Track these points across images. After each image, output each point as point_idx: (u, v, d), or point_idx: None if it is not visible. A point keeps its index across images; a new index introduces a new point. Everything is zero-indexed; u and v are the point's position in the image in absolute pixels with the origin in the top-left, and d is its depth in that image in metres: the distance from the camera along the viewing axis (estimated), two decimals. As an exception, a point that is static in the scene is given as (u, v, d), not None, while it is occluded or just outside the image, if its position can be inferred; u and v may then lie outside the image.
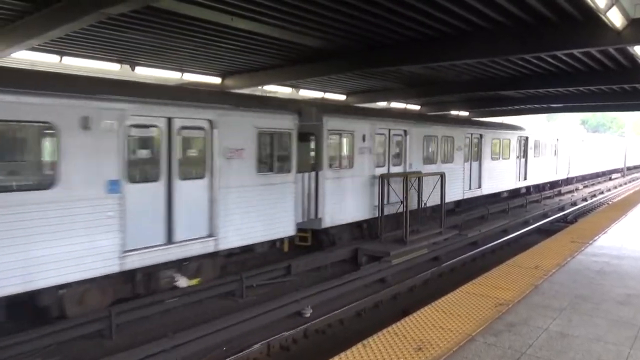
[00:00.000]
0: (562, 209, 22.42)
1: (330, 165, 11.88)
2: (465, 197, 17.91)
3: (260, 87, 17.48)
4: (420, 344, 4.84)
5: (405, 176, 13.22)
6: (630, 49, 12.12)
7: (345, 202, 12.24)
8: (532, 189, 25.00)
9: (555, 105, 25.91)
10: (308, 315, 8.62)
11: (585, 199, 26.23)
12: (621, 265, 8.18)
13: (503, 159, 21.05)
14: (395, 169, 14.13)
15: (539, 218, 19.53)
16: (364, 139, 12.56)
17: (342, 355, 4.61)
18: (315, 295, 9.21)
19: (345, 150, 12.57)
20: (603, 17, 8.65)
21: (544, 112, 33.61)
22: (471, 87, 18.57)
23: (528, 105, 25.42)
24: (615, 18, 8.93)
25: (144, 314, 8.19)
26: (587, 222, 13.39)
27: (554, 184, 28.00)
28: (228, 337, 7.57)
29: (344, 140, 12.49)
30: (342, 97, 21.80)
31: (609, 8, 8.41)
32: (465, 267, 12.51)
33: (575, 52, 12.39)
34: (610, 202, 23.27)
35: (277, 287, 10.18)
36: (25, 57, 12.04)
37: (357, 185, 12.56)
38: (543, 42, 10.50)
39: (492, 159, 20.02)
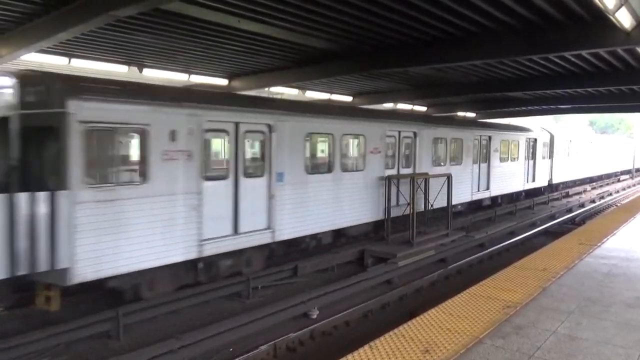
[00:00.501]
0: (569, 210, 22.29)
1: (91, 180, 7.42)
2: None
3: (267, 89, 17.52)
4: (427, 346, 4.83)
5: (412, 177, 13.18)
6: (639, 49, 12.03)
7: (134, 238, 7.78)
8: (500, 200, 20.92)
9: (563, 106, 25.77)
10: (315, 316, 8.63)
11: (593, 201, 26.04)
12: (630, 268, 8.11)
13: (452, 164, 16.77)
14: (249, 182, 9.81)
15: (546, 220, 19.41)
16: (173, 138, 8.31)
17: (349, 356, 4.60)
18: (321, 297, 9.21)
19: (128, 156, 8.38)
20: (612, 18, 8.60)
21: (552, 114, 33.46)
22: (478, 88, 18.50)
23: (535, 107, 25.28)
24: (624, 19, 8.87)
25: (151, 315, 8.23)
26: (595, 224, 13.30)
27: (530, 193, 23.58)
28: (235, 338, 7.59)
29: (125, 140, 8.21)
30: (349, 99, 21.82)
31: (618, 9, 8.36)
32: (472, 269, 12.46)
33: (583, 52, 12.31)
34: (618, 204, 23.10)
35: (284, 289, 10.19)
36: (34, 59, 12.15)
37: (161, 209, 8.14)
38: (550, 43, 10.43)
39: (435, 164, 15.77)
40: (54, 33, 9.27)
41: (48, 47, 10.96)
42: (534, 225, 18.20)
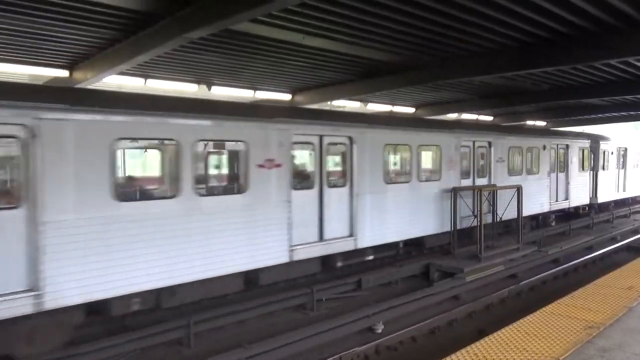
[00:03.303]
0: (655, 224, 20.60)
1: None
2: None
3: (329, 103, 17.71)
4: (501, 366, 4.61)
5: (479, 189, 12.76)
6: None
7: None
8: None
9: (645, 112, 23.97)
10: (380, 331, 8.51)
11: (682, 215, 23.91)
12: None
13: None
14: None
15: (628, 234, 18.04)
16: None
17: (419, 373, 4.49)
18: (386, 311, 9.07)
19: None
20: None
21: (632, 120, 31.14)
22: (550, 95, 17.64)
23: (613, 113, 23.74)
24: None
25: (220, 324, 8.47)
26: (686, 240, 12.18)
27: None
28: (300, 349, 7.63)
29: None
30: (411, 110, 21.58)
31: None
32: (546, 286, 11.80)
33: (668, 55, 11.42)
34: None
35: (347, 302, 10.14)
36: (113, 81, 13.07)
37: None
38: (630, 46, 9.79)
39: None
40: (132, 56, 9.94)
41: (127, 70, 11.75)
42: (614, 240, 16.97)
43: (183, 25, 8.34)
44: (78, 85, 11.99)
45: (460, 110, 21.91)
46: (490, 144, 14.67)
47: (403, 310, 9.33)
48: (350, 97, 17.16)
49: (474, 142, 14.28)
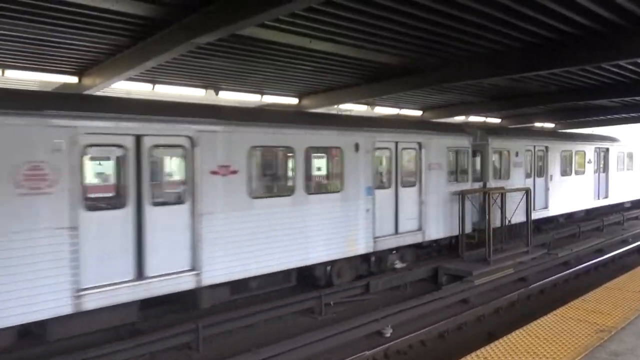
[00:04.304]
0: (667, 227, 20.33)
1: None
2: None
3: (335, 106, 17.74)
4: (512, 370, 4.57)
5: (488, 192, 12.70)
6: None
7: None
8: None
9: (655, 113, 23.74)
10: (388, 335, 8.47)
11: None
12: None
13: None
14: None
15: (639, 237, 17.84)
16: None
17: (428, 378, 4.46)
18: (395, 315, 9.03)
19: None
20: None
21: (641, 122, 30.93)
22: (558, 97, 17.56)
23: (623, 115, 23.57)
24: None
25: (229, 328, 8.48)
26: (699, 242, 12.02)
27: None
28: (309, 353, 7.61)
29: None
30: (418, 113, 21.54)
31: None
32: (557, 289, 11.69)
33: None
34: None
35: (356, 306, 10.11)
36: (122, 87, 13.18)
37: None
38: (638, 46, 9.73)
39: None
40: (141, 62, 10.03)
41: (135, 75, 11.85)
42: (625, 242, 16.80)
43: (190, 31, 8.41)
44: (86, 92, 12.10)
45: (467, 112, 21.85)
46: (192, 141, 7.70)
47: (412, 314, 9.28)
48: (356, 100, 17.19)
49: (137, 137, 7.15)
